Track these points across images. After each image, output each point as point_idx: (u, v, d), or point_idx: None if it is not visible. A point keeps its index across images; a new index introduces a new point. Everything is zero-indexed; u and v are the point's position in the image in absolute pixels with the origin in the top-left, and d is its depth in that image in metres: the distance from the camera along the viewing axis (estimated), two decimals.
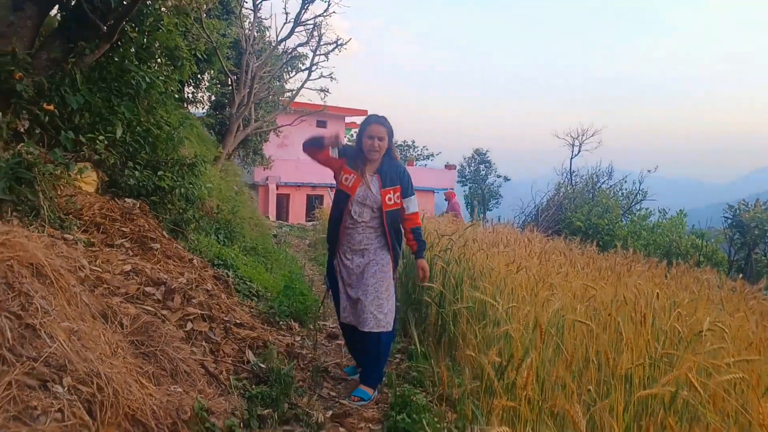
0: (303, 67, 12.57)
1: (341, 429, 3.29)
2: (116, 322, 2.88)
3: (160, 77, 4.91)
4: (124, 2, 4.28)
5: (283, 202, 25.04)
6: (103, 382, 2.23)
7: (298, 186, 25.01)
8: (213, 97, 12.18)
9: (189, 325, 3.47)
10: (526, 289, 3.45)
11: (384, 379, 3.88)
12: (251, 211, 10.90)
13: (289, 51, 11.89)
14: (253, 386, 3.42)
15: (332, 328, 5.36)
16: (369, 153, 3.63)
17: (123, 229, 4.00)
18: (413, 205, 3.75)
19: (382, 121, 3.69)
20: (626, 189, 16.46)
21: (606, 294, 3.26)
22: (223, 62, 9.65)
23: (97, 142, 4.37)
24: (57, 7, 4.58)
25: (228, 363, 3.45)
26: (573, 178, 17.87)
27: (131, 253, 3.81)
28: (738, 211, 10.12)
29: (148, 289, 3.47)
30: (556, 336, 2.30)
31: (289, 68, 12.92)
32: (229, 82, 10.98)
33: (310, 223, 18.94)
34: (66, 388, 2.07)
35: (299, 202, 25.39)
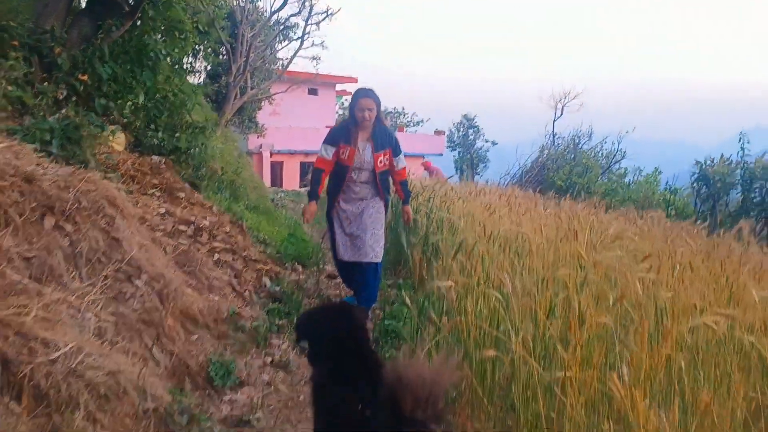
0: (295, 37, 13.13)
1: None
2: (161, 249, 3.62)
3: (175, 49, 5.55)
4: None
5: (277, 169, 25.61)
6: (167, 282, 2.99)
7: (292, 153, 25.55)
8: (209, 67, 12.72)
9: (216, 256, 4.22)
10: (491, 221, 4.22)
11: (376, 303, 4.64)
12: (250, 175, 11.58)
13: (282, 21, 12.46)
14: (270, 303, 4.21)
15: (331, 270, 6.13)
16: (362, 123, 4.21)
17: (153, 180, 4.71)
18: (401, 161, 4.47)
19: (369, 94, 4.23)
20: (606, 150, 17.26)
21: (555, 223, 4.03)
22: (220, 33, 10.21)
23: (124, 107, 5.05)
24: None
25: (249, 286, 4.22)
26: (555, 140, 18.69)
27: (162, 200, 4.53)
28: (704, 166, 10.93)
29: (181, 227, 4.21)
30: (502, 242, 3.08)
31: (282, 38, 13.46)
32: (224, 52, 11.54)
33: (304, 189, 19.59)
34: (144, 282, 2.83)
35: (293, 168, 25.97)
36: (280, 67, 13.63)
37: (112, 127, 4.88)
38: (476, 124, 27.60)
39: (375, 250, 4.27)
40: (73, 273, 2.57)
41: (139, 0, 5.03)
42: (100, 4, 4.99)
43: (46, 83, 4.55)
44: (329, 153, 4.32)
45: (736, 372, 2.04)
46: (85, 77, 4.83)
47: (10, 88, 4.19)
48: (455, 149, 29.15)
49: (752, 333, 2.12)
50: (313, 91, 25.85)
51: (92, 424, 1.98)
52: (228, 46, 11.14)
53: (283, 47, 14.18)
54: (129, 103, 5.04)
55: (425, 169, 13.83)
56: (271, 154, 25.04)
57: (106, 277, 2.66)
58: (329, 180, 4.43)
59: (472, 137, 28.02)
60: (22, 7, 4.90)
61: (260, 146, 23.92)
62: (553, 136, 19.09)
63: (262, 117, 17.43)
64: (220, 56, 11.92)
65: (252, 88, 12.22)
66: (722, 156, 10.70)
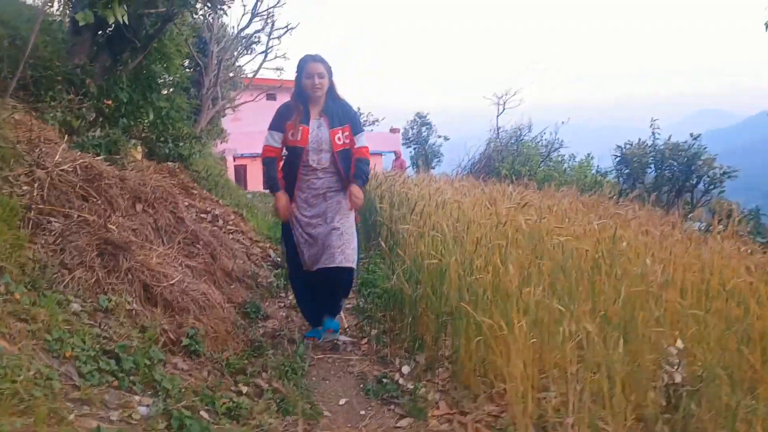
0: (259, 51, 14.39)
1: None
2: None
3: (176, 73, 6.79)
4: (156, 26, 6.13)
5: (240, 173, 26.62)
6: (214, 248, 4.29)
7: (254, 157, 26.59)
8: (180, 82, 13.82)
9: (231, 236, 5.52)
10: (436, 195, 5.63)
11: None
12: (227, 179, 12.78)
13: (248, 37, 13.68)
14: (275, 269, 5.53)
15: None
16: (313, 91, 3.54)
17: (172, 181, 5.95)
18: (362, 140, 3.73)
19: (318, 58, 3.58)
20: (546, 140, 19.06)
21: (484, 196, 5.47)
22: (192, 51, 11.36)
23: (141, 124, 6.27)
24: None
25: (258, 257, 5.53)
26: (499, 133, 20.48)
27: (183, 196, 5.78)
28: (623, 149, 12.70)
29: (202, 215, 5.48)
30: (442, 206, 4.50)
31: (248, 52, 14.66)
32: (195, 68, 12.68)
33: (267, 191, 20.76)
34: (201, 246, 4.12)
35: (256, 171, 27.01)
36: (247, 78, 14.85)
37: (134, 141, 6.11)
38: (429, 121, 29.20)
39: (345, 253, 3.55)
40: (159, 240, 3.85)
41: (149, 37, 6.25)
42: (117, 40, 6.18)
43: (82, 109, 5.74)
44: (277, 140, 3.64)
45: (573, 266, 3.48)
46: (110, 102, 6.03)
47: (60, 114, 5.38)
48: (410, 146, 30.70)
49: (583, 243, 3.56)
50: (271, 96, 26.93)
51: (198, 322, 3.28)
52: (199, 62, 12.28)
53: (249, 61, 15.41)
54: (145, 120, 6.25)
55: (396, 156, 15.45)
56: (235, 159, 26.06)
57: (179, 242, 3.95)
58: (282, 171, 3.76)
59: (425, 134, 29.62)
60: (57, 46, 6.03)
61: (224, 151, 24.92)
62: (498, 130, 20.93)
63: (225, 123, 18.53)
64: (191, 70, 13.04)
65: (222, 99, 13.38)
66: (639, 139, 12.48)
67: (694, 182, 11.47)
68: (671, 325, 3.01)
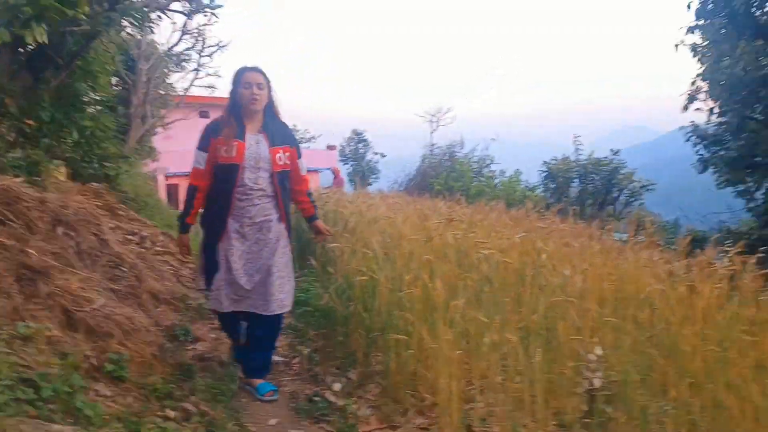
0: (190, 69, 14.17)
1: None
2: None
3: (102, 91, 6.62)
4: (80, 43, 5.97)
5: (172, 191, 25.96)
6: (140, 270, 4.20)
7: (186, 175, 25.99)
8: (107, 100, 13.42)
9: (159, 257, 5.39)
10: (369, 212, 5.71)
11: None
12: (156, 199, 12.46)
13: (178, 55, 13.45)
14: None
15: None
16: (250, 104, 3.13)
17: (98, 202, 5.77)
18: (305, 167, 3.44)
19: (257, 69, 3.20)
20: (477, 156, 19.61)
21: (415, 211, 5.60)
22: (120, 68, 11.08)
23: (64, 144, 6.06)
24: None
25: (187, 278, 5.42)
26: (434, 150, 20.95)
27: (109, 217, 5.61)
28: (549, 165, 13.26)
29: (129, 237, 5.34)
30: (373, 222, 4.59)
31: (178, 69, 14.42)
32: (124, 85, 12.35)
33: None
34: (126, 270, 4.03)
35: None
36: (178, 95, 14.58)
37: (57, 162, 5.89)
38: (365, 138, 29.45)
39: (280, 299, 3.18)
40: (81, 263, 3.73)
41: (72, 54, 6.07)
42: (39, 59, 5.97)
43: (1, 129, 5.50)
44: (202, 161, 3.19)
45: (498, 278, 3.61)
46: (31, 121, 5.80)
47: None
48: (348, 162, 30.85)
49: (507, 255, 3.71)
50: (204, 114, 26.50)
51: (123, 346, 3.20)
52: (127, 79, 11.99)
53: (180, 79, 15.16)
54: (68, 140, 6.04)
55: (334, 174, 15.46)
56: (166, 177, 25.41)
57: (102, 266, 3.85)
58: (208, 197, 3.26)
59: (362, 151, 29.83)
60: None
61: (155, 170, 24.27)
62: (432, 147, 21.41)
63: (156, 142, 18.10)
64: (119, 88, 12.71)
65: (152, 117, 13.09)
66: (564, 155, 13.06)
67: (615, 195, 12.09)
68: (591, 333, 3.15)
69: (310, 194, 3.52)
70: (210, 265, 3.25)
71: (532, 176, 17.23)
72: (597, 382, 2.92)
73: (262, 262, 3.17)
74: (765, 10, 9.10)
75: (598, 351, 2.95)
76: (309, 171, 3.84)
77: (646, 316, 3.20)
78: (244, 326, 3.42)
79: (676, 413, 2.63)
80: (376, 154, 30.03)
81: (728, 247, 4.41)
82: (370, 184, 29.07)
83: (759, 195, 9.48)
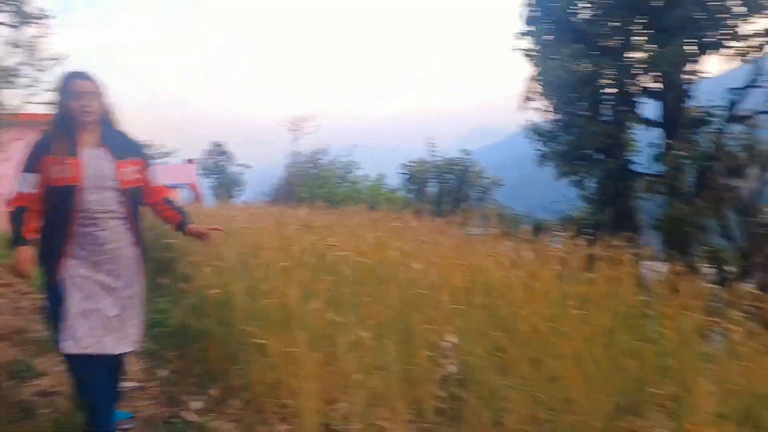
0: (26, 84, 12.88)
1: None
2: None
3: None
4: None
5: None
6: None
7: None
8: None
9: None
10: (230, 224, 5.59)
11: None
12: None
13: (8, 69, 12.19)
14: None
15: None
16: (82, 116, 2.69)
17: None
18: (157, 176, 3.03)
19: (87, 75, 2.75)
20: (342, 162, 19.87)
21: (275, 219, 5.57)
22: None
23: None
24: None
25: (27, 309, 4.97)
26: (297, 158, 20.94)
27: None
28: (407, 167, 13.82)
29: None
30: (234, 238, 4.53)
31: (10, 85, 13.04)
32: None
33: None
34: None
35: None
36: (11, 114, 13.19)
37: None
38: (225, 150, 28.67)
39: (133, 335, 2.80)
40: None
41: None
42: None
43: None
44: (33, 184, 2.65)
45: (354, 278, 3.70)
46: None
47: None
48: (210, 176, 29.86)
49: (363, 256, 3.82)
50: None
51: None
52: None
53: (12, 96, 13.71)
54: None
55: (194, 191, 14.76)
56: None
57: None
58: (44, 229, 2.70)
59: (223, 163, 29.01)
60: None
61: None
62: (296, 155, 21.38)
63: None
64: None
65: None
66: (420, 158, 13.67)
67: (468, 192, 12.86)
68: (444, 322, 3.31)
69: (170, 201, 3.05)
70: (58, 304, 2.60)
71: (395, 179, 17.81)
72: (450, 368, 3.09)
73: (116, 295, 2.71)
74: (579, 17, 10.22)
75: (452, 338, 3.12)
76: (169, 187, 3.31)
77: (492, 302, 3.43)
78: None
79: (520, 389, 2.83)
80: (239, 165, 29.35)
81: (562, 232, 4.82)
82: (233, 197, 28.35)
83: (589, 184, 10.57)
